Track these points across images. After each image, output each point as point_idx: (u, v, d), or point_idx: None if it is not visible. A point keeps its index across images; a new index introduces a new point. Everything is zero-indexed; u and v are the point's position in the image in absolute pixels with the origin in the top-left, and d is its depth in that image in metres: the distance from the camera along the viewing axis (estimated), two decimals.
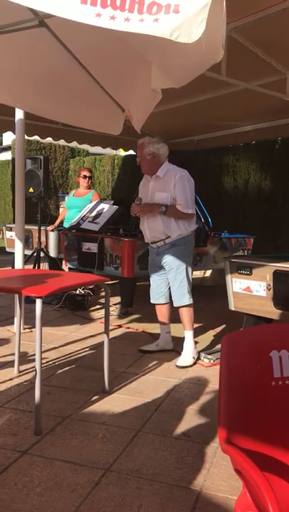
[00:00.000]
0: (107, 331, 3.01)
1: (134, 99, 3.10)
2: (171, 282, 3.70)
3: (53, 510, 1.83)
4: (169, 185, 3.61)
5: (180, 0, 1.53)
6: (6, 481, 2.00)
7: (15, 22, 2.71)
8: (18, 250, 4.39)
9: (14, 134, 4.66)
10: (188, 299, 3.64)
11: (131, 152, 8.77)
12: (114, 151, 10.28)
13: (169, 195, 3.60)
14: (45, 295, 2.44)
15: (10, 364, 3.37)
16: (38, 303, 2.39)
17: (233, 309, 3.98)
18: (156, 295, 3.83)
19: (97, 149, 8.77)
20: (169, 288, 3.76)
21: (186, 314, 3.68)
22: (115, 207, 5.26)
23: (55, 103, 3.45)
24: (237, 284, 3.88)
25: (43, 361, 3.48)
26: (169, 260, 3.67)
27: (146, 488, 1.99)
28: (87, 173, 6.16)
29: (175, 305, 3.71)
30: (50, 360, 3.55)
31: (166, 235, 3.63)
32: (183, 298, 3.64)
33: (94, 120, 3.65)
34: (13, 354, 3.33)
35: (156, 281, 3.83)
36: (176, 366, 3.51)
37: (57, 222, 6.45)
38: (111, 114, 3.51)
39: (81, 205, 5.81)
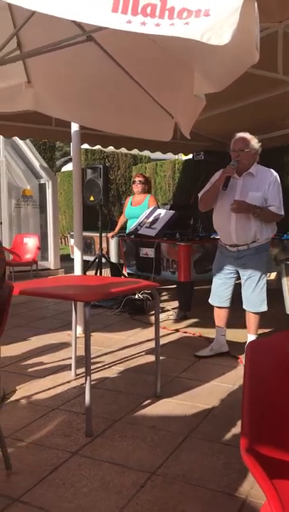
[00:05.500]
0: (157, 335, 3.04)
1: (181, 106, 3.12)
2: (250, 288, 3.61)
3: (97, 510, 1.88)
4: (264, 185, 3.52)
5: (210, 5, 1.54)
6: (55, 480, 2.08)
7: (64, 39, 2.83)
8: (77, 257, 4.54)
9: None
10: (266, 306, 3.62)
11: (191, 156, 8.75)
12: (176, 156, 10.33)
13: (262, 195, 3.52)
14: (92, 301, 2.53)
15: (68, 367, 3.49)
16: (87, 308, 2.48)
17: None
18: (222, 299, 3.77)
19: (158, 155, 8.83)
20: (233, 292, 3.73)
21: (256, 320, 3.66)
22: (172, 212, 5.28)
23: (106, 115, 3.56)
24: None
25: (99, 365, 3.59)
26: (251, 266, 3.58)
27: (190, 493, 1.99)
28: (138, 178, 6.22)
29: (252, 310, 3.64)
30: (106, 364, 3.64)
31: (255, 238, 3.55)
32: (262, 304, 3.62)
33: (144, 129, 3.71)
34: (71, 358, 3.45)
35: (223, 285, 3.75)
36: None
37: (117, 229, 6.58)
38: (161, 122, 3.54)
39: (140, 213, 5.89)
